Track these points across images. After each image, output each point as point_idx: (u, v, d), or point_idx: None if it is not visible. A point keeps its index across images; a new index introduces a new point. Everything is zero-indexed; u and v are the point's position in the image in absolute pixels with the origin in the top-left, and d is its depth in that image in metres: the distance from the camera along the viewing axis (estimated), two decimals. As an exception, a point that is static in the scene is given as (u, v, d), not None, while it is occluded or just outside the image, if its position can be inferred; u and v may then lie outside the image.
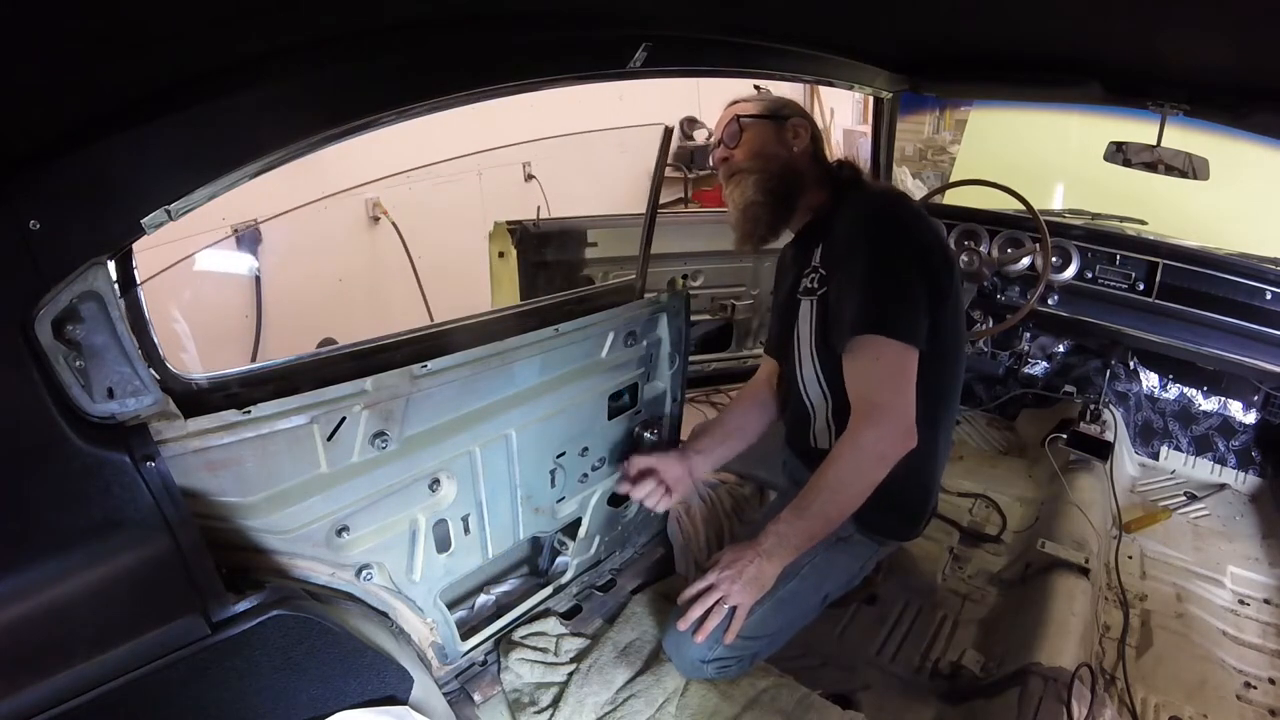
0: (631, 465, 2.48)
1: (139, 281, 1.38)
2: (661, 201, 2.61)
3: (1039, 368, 4.28)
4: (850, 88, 3.37)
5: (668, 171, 7.58)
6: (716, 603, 2.16)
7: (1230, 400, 3.86)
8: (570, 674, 2.36)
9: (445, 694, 2.14)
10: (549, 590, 2.52)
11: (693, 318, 2.69)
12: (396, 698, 1.82)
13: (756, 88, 3.55)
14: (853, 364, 2.17)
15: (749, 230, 2.41)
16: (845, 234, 2.27)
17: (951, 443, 2.61)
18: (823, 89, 8.56)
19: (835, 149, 9.18)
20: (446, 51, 1.56)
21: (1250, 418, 3.82)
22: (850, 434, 2.14)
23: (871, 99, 3.73)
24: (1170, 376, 4.01)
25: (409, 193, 5.62)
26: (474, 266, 3.93)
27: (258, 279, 4.85)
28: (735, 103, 2.50)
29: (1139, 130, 3.21)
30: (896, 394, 2.11)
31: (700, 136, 7.79)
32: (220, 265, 4.74)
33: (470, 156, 5.49)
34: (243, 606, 1.52)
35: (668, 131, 2.46)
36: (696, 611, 2.15)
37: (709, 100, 7.60)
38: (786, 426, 2.69)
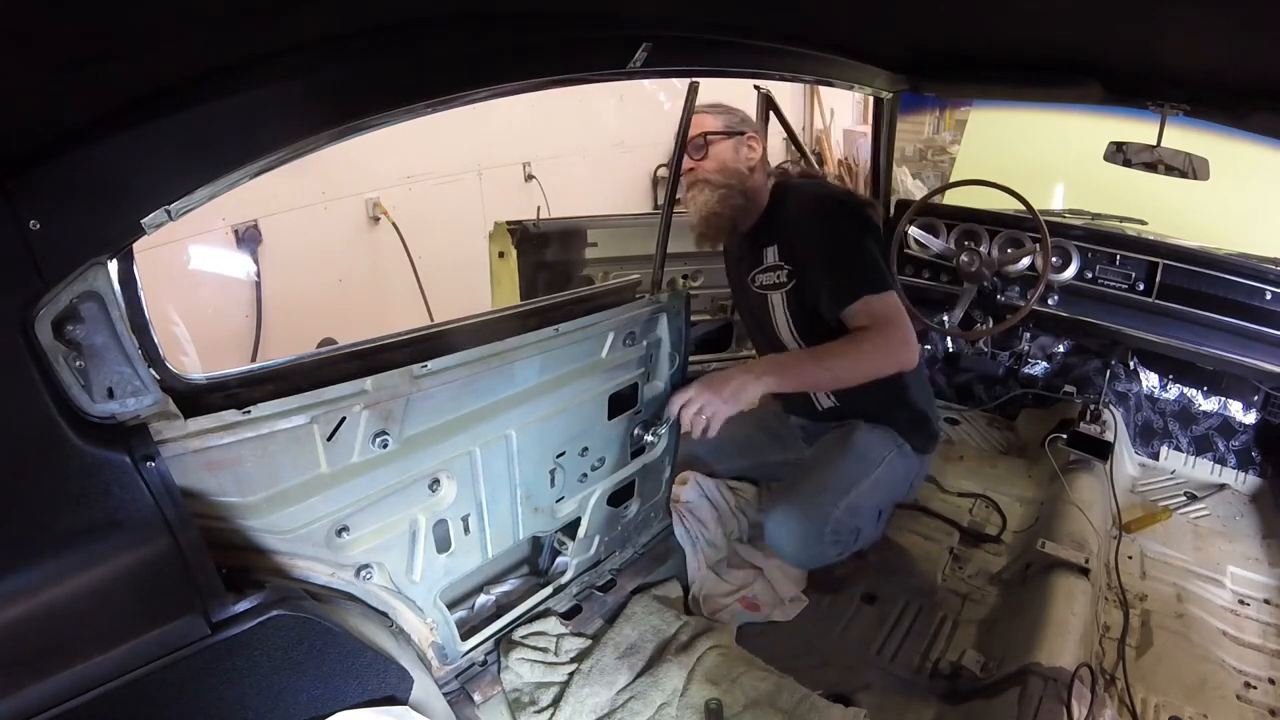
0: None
1: (139, 281, 1.38)
2: (660, 202, 2.66)
3: (1039, 368, 4.27)
4: (850, 88, 3.38)
5: (664, 173, 7.62)
6: (698, 412, 2.40)
7: (1230, 400, 3.85)
8: (571, 674, 2.36)
9: (445, 694, 2.14)
10: (549, 590, 2.52)
11: (693, 318, 2.69)
12: (396, 698, 1.83)
13: (757, 88, 3.56)
14: (859, 311, 2.53)
15: (707, 234, 2.84)
16: (797, 231, 2.75)
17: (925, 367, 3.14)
18: (823, 89, 8.56)
19: (835, 149, 9.19)
20: (447, 51, 1.56)
21: (1250, 418, 3.81)
22: (871, 332, 2.49)
23: (871, 99, 3.74)
24: (1170, 376, 4.01)
25: (409, 193, 5.63)
26: (474, 267, 3.94)
27: (257, 279, 4.85)
28: (695, 113, 2.71)
29: (1139, 130, 3.21)
30: (903, 320, 2.50)
31: (700, 137, 7.77)
32: (220, 265, 4.75)
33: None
34: (243, 606, 1.52)
35: (694, 85, 2.54)
36: (687, 417, 2.41)
37: (704, 97, 7.65)
38: (785, 399, 3.20)
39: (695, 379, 2.48)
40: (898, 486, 2.90)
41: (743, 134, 2.81)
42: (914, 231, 3.99)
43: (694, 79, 2.49)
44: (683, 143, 2.58)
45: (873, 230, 2.73)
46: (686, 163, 2.77)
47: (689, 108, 2.53)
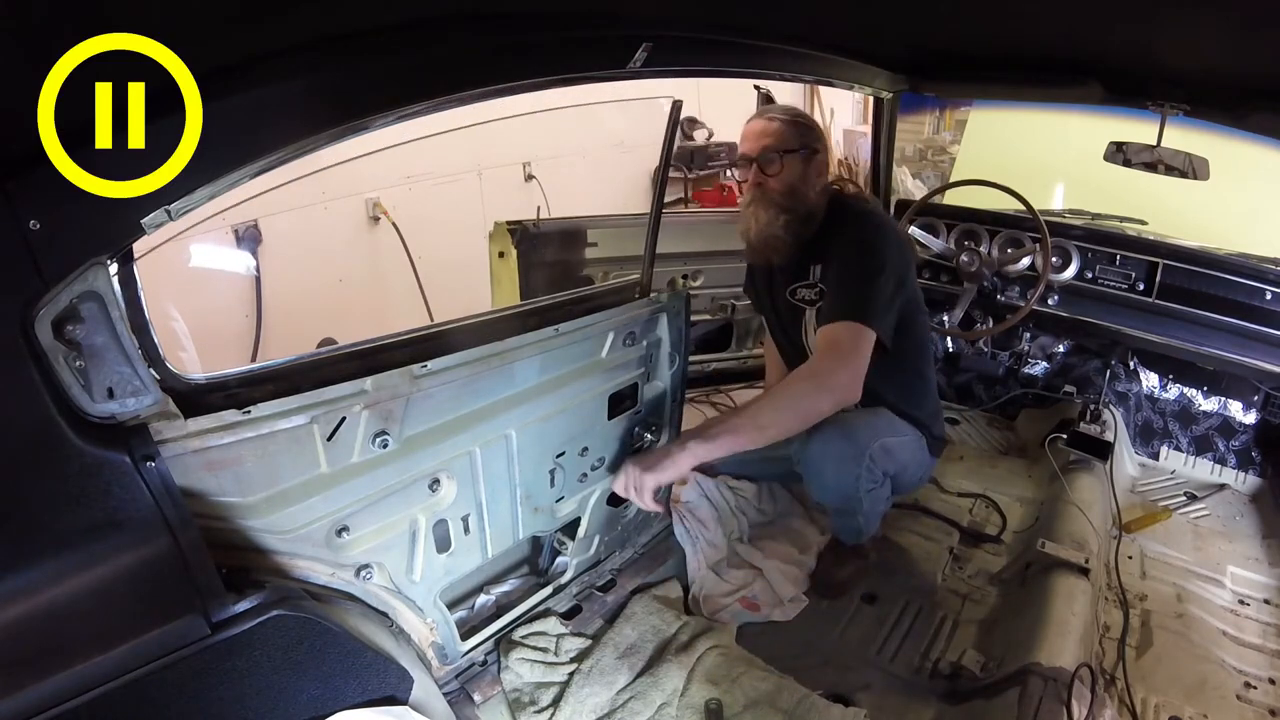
0: None
1: (139, 281, 1.39)
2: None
3: (1039, 368, 4.26)
4: (850, 88, 3.38)
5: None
6: (626, 487, 2.36)
7: (1230, 400, 3.85)
8: (571, 674, 2.36)
9: (445, 694, 2.15)
10: (549, 590, 2.52)
11: (693, 318, 2.70)
12: (396, 698, 1.83)
13: (757, 88, 3.56)
14: (827, 331, 2.47)
15: (763, 253, 2.73)
16: (838, 257, 2.63)
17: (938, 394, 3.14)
18: (823, 89, 8.54)
19: (835, 149, 9.18)
20: (447, 51, 1.56)
21: (1250, 418, 3.81)
22: (810, 364, 2.45)
23: (871, 99, 3.73)
24: (1170, 376, 4.00)
25: (409, 193, 5.63)
26: (474, 267, 3.94)
27: (258, 279, 4.86)
28: (770, 118, 2.67)
29: (1139, 130, 3.21)
30: (855, 354, 2.41)
31: (700, 136, 7.78)
32: (220, 264, 4.75)
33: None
34: (243, 606, 1.52)
35: (677, 105, 2.52)
36: (619, 491, 2.39)
37: (709, 101, 7.61)
38: None
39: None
40: (913, 469, 2.90)
41: (816, 152, 2.69)
42: (914, 231, 3.99)
43: (677, 100, 2.48)
44: (667, 159, 2.55)
45: (902, 278, 2.62)
46: (754, 175, 2.66)
47: (672, 128, 2.51)
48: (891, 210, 4.14)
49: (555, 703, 2.29)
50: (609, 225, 3.84)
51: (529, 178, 6.47)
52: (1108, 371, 4.00)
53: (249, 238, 4.74)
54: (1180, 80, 2.74)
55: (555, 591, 2.55)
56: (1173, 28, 2.07)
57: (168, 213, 1.26)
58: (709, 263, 3.92)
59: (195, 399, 1.56)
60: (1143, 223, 4.01)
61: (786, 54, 2.58)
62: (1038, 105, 4.80)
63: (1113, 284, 3.69)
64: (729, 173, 7.84)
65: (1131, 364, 4.05)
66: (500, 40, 1.64)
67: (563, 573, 2.57)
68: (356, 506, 1.85)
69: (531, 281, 3.69)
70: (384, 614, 2.02)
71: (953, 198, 4.06)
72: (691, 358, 2.75)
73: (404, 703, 1.84)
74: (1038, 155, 4.94)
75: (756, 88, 3.58)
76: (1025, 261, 3.81)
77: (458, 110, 1.72)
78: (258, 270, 4.83)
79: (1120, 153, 3.16)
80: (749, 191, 2.70)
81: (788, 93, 7.94)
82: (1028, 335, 4.20)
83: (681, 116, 2.71)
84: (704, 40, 2.17)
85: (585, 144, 6.94)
